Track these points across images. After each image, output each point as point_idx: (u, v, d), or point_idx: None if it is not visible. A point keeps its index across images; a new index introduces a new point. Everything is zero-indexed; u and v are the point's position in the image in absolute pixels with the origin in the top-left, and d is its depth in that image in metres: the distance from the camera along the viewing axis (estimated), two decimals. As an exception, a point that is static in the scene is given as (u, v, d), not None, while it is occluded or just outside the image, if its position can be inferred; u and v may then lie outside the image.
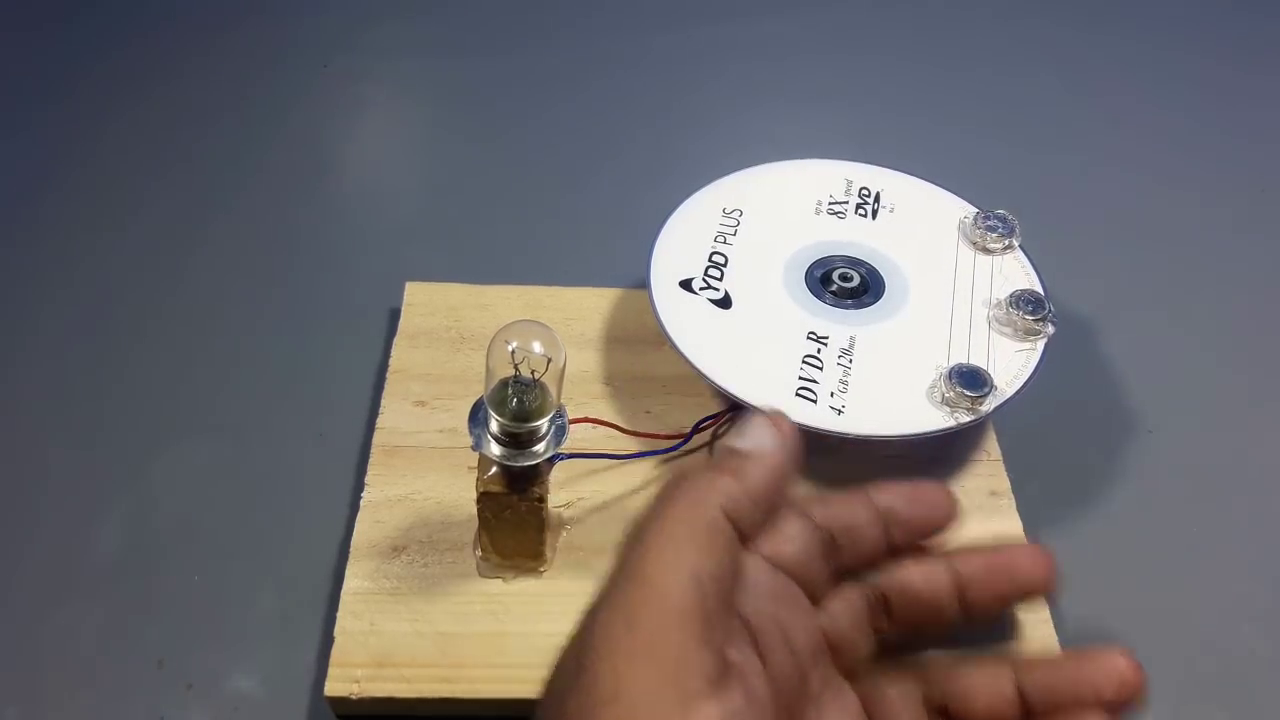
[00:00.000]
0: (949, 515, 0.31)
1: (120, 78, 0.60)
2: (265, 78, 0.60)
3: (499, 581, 0.36)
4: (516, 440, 0.32)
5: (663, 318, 0.39)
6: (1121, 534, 0.40)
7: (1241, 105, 0.61)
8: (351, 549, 0.36)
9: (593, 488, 0.39)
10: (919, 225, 0.44)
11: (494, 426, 0.32)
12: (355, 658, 0.33)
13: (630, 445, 0.40)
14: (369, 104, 0.60)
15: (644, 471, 0.39)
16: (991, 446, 0.41)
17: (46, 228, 0.51)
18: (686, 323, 0.39)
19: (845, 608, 0.30)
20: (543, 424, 0.32)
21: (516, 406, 0.32)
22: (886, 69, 0.63)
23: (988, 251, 0.43)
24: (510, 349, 0.31)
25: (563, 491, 0.38)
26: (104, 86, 0.59)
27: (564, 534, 0.37)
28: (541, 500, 0.34)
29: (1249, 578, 0.38)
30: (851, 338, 0.39)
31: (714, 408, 0.40)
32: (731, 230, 0.43)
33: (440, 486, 0.38)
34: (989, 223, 0.43)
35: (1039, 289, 0.41)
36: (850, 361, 0.38)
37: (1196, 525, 0.40)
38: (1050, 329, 0.40)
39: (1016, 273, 0.42)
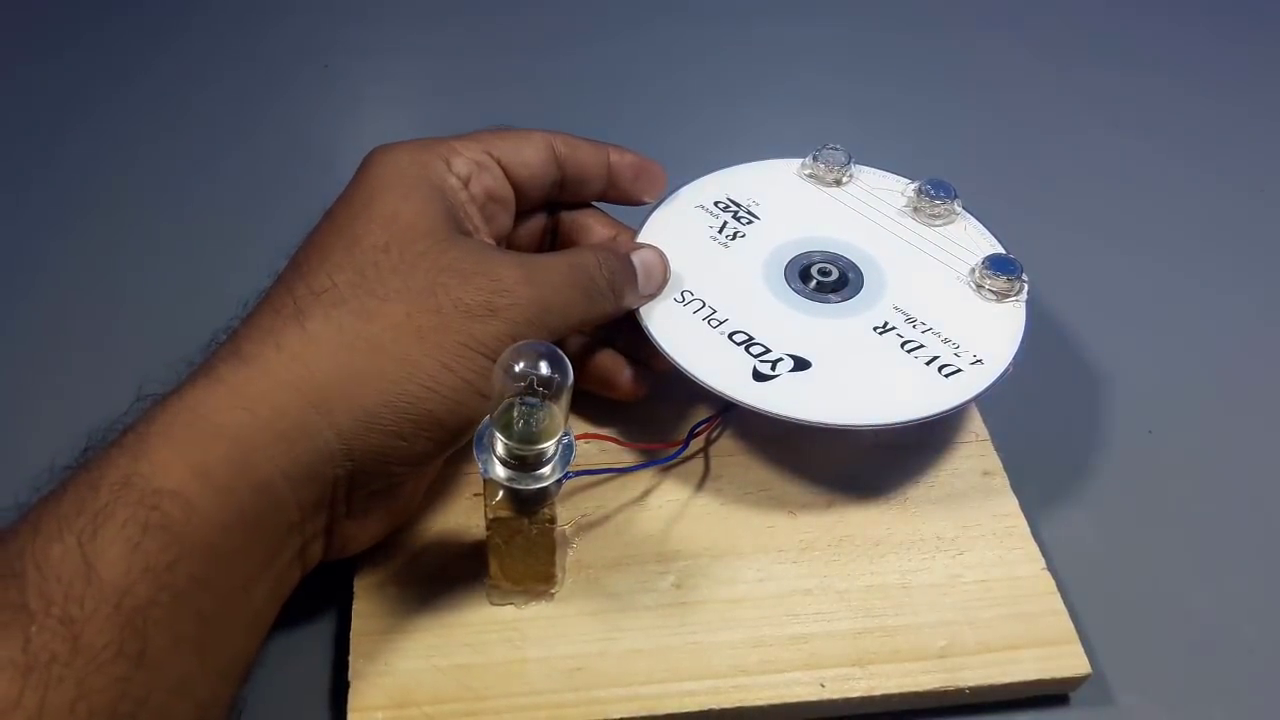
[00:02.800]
0: (658, 189, 0.41)
1: (118, 77, 0.59)
2: (265, 78, 0.60)
3: (511, 608, 0.35)
4: (524, 463, 0.32)
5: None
6: (1118, 528, 0.40)
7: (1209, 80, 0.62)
8: (355, 589, 0.35)
9: (594, 502, 0.38)
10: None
11: (500, 449, 0.31)
12: (374, 700, 0.32)
13: (628, 455, 0.39)
14: (369, 104, 0.59)
15: (644, 481, 0.39)
16: (979, 427, 0.41)
17: (45, 228, 0.51)
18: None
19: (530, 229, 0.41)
20: (550, 445, 0.31)
21: (523, 429, 0.31)
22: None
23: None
24: (517, 370, 0.30)
25: (563, 508, 0.37)
26: (101, 86, 0.58)
27: (570, 553, 0.37)
28: (552, 522, 0.33)
29: (1249, 577, 0.39)
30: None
31: (705, 409, 0.40)
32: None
33: (439, 516, 0.37)
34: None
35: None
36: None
37: (1196, 521, 0.41)
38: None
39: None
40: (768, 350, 0.38)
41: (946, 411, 0.36)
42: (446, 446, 0.33)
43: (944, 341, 0.39)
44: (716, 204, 0.43)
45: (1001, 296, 0.40)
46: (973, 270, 0.41)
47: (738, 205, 0.43)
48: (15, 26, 0.62)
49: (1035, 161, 0.56)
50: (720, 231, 0.42)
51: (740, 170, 0.45)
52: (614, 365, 0.39)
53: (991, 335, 0.39)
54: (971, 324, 0.39)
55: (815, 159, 0.45)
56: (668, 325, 0.38)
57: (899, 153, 0.47)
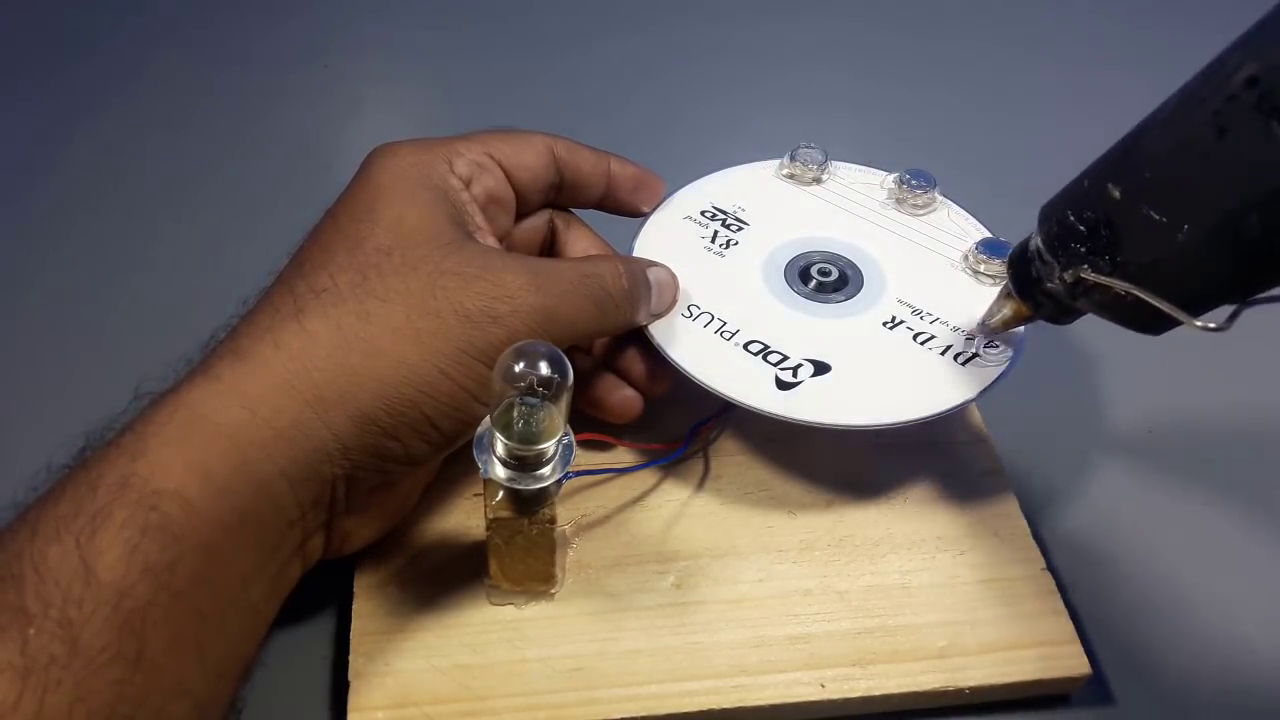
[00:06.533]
0: (655, 200, 0.42)
1: (117, 75, 0.59)
2: (264, 77, 0.60)
3: (511, 608, 0.35)
4: (524, 463, 0.32)
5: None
6: (1118, 528, 0.40)
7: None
8: (355, 589, 0.35)
9: (595, 502, 0.38)
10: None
11: (500, 449, 0.31)
12: (373, 700, 0.32)
13: (628, 455, 0.39)
14: (368, 103, 0.60)
15: (644, 481, 0.39)
16: (979, 427, 0.41)
17: (43, 225, 0.51)
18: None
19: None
20: (550, 445, 0.31)
21: (523, 429, 0.31)
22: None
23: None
24: (517, 369, 0.30)
25: (563, 508, 0.37)
26: (100, 84, 0.58)
27: (570, 553, 0.37)
28: (552, 522, 0.33)
29: (1249, 577, 0.39)
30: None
31: (704, 409, 0.40)
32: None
33: (439, 516, 0.37)
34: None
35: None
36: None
37: (1196, 521, 0.40)
38: None
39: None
40: (786, 357, 0.38)
41: (973, 399, 0.37)
42: (443, 449, 0.33)
43: (953, 330, 0.39)
44: (703, 213, 0.43)
45: (999, 280, 0.40)
46: (966, 256, 0.41)
47: (724, 213, 0.43)
48: (15, 27, 0.62)
49: (1024, 154, 0.56)
50: (713, 241, 0.42)
51: (717, 177, 0.45)
52: (606, 385, 0.39)
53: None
54: (975, 310, 0.39)
55: (792, 159, 0.45)
56: (681, 342, 0.38)
57: (871, 145, 0.48)
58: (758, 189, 0.44)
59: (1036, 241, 0.33)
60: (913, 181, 0.44)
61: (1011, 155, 0.56)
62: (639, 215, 0.42)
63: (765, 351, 0.38)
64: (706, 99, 0.60)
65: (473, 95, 0.60)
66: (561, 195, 0.40)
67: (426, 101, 0.61)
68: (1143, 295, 0.29)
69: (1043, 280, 0.33)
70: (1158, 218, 0.28)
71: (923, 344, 0.38)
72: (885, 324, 0.39)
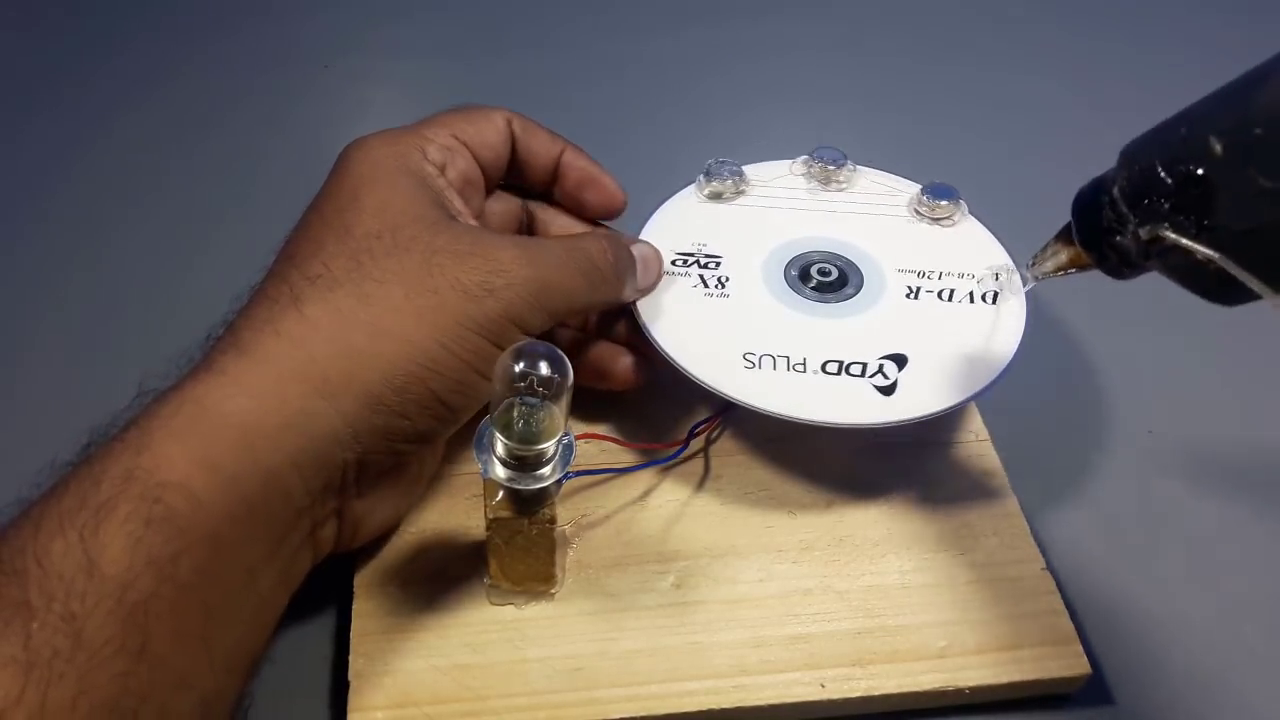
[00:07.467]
0: (608, 206, 0.40)
1: (119, 77, 0.59)
2: (265, 78, 0.60)
3: (511, 608, 0.35)
4: (524, 463, 0.32)
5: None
6: (1118, 528, 0.40)
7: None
8: (355, 588, 0.35)
9: (595, 502, 0.38)
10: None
11: (500, 449, 0.31)
12: (373, 701, 0.33)
13: (628, 455, 0.39)
14: (370, 104, 0.60)
15: (644, 481, 0.39)
16: (979, 427, 0.41)
17: (45, 228, 0.51)
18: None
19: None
20: (550, 445, 0.31)
21: (523, 429, 0.31)
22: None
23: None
24: (517, 370, 0.30)
25: (563, 508, 0.37)
26: (103, 86, 0.59)
27: (570, 553, 0.37)
28: (552, 522, 0.33)
29: (1249, 577, 0.39)
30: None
31: (704, 409, 0.40)
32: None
33: (439, 516, 0.37)
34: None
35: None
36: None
37: (1196, 521, 0.40)
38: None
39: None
40: (865, 365, 0.38)
41: (973, 399, 0.37)
42: (451, 424, 0.33)
43: (960, 276, 0.40)
44: (674, 262, 0.41)
45: (949, 221, 0.42)
46: (918, 210, 0.43)
47: (692, 255, 0.41)
48: (17, 23, 0.62)
49: (1038, 168, 0.56)
50: (704, 285, 0.40)
51: (655, 221, 0.43)
52: (609, 354, 0.39)
53: (981, 252, 0.40)
54: (958, 251, 0.41)
55: (709, 178, 0.44)
56: (772, 395, 0.36)
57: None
58: (699, 219, 0.43)
59: (1113, 187, 0.29)
60: (825, 158, 0.44)
61: (1033, 169, 0.55)
62: (588, 218, 0.41)
63: (844, 367, 0.37)
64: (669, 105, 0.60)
65: (475, 96, 0.59)
66: (510, 172, 0.40)
67: (427, 102, 0.61)
68: (1228, 267, 0.26)
69: (1113, 232, 0.29)
70: (1265, 183, 0.25)
71: (952, 301, 0.40)
72: (908, 296, 0.40)
